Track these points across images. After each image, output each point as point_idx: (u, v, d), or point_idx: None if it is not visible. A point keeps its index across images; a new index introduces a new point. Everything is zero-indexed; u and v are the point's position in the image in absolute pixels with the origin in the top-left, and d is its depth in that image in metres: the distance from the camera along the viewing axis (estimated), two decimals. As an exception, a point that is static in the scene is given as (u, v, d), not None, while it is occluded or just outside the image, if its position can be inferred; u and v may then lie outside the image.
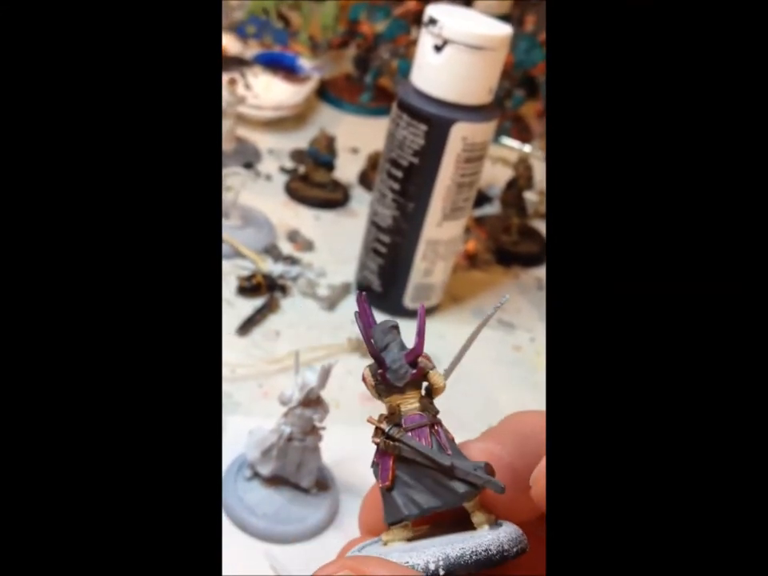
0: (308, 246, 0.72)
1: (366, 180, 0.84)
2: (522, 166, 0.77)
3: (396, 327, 0.23)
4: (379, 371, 0.23)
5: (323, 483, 0.48)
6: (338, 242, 0.74)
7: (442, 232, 0.62)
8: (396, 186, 0.61)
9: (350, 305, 0.67)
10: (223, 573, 0.41)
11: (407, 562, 0.20)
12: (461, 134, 0.58)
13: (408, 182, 0.60)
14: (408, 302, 0.65)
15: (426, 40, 0.57)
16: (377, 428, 0.23)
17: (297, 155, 0.86)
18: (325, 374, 0.44)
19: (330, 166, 0.79)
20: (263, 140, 0.88)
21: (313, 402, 0.45)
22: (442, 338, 0.64)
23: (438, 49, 0.56)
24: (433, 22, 0.56)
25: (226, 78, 0.83)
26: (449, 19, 0.55)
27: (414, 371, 0.23)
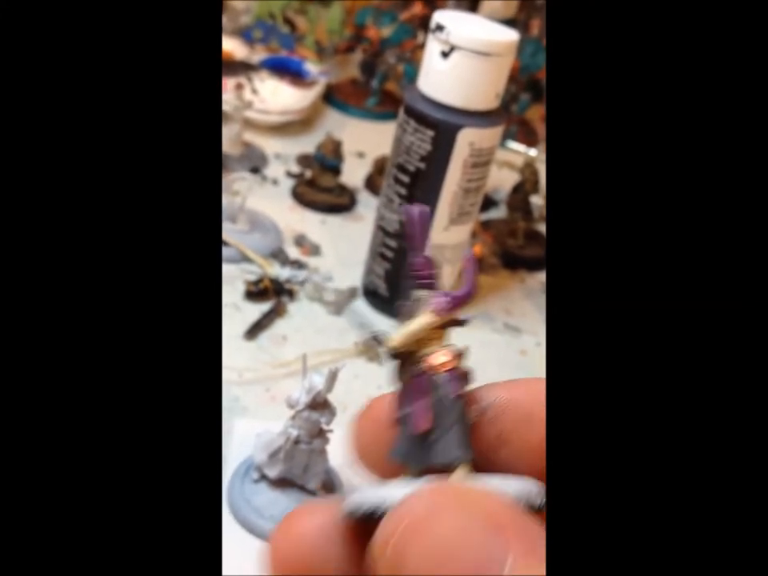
0: (315, 250, 0.73)
1: (372, 184, 0.84)
2: (528, 170, 0.77)
3: None
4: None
5: (330, 486, 0.48)
6: (345, 247, 0.75)
7: (448, 236, 0.63)
8: (403, 191, 0.61)
9: (356, 309, 0.67)
10: (231, 575, 0.41)
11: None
12: (468, 140, 0.58)
13: (415, 187, 0.61)
14: (414, 306, 0.65)
15: (432, 46, 0.57)
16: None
17: (303, 160, 0.86)
18: (332, 378, 0.44)
19: (336, 171, 0.79)
20: (270, 144, 0.89)
21: (320, 405, 0.45)
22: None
23: (445, 55, 0.56)
24: (440, 28, 0.56)
25: (232, 82, 0.83)
26: (456, 25, 0.56)
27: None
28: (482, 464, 0.21)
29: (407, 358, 0.21)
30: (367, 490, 0.20)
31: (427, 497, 0.18)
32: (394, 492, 0.19)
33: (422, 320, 0.21)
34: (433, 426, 0.21)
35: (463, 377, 0.21)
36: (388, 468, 0.22)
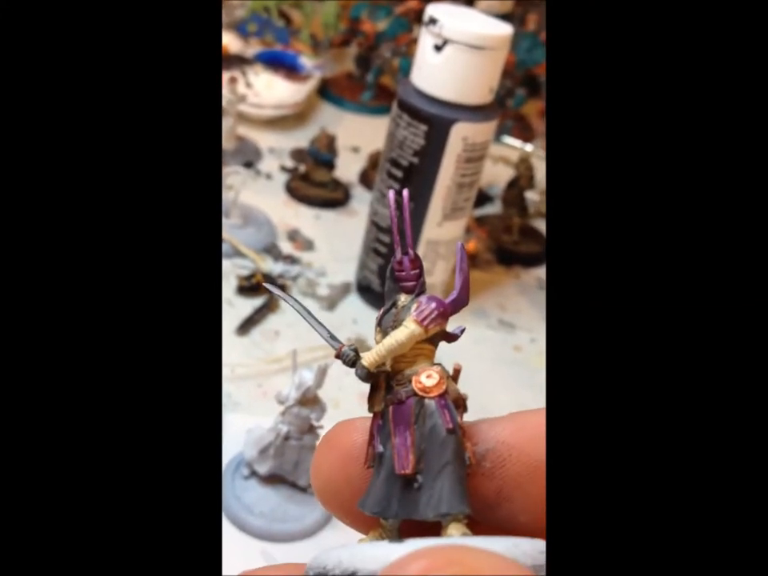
0: (308, 245, 0.72)
1: (366, 179, 0.84)
2: (524, 166, 0.77)
3: None
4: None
5: (321, 483, 0.48)
6: (338, 242, 0.74)
7: (442, 232, 0.62)
8: (396, 186, 0.61)
9: (349, 304, 0.67)
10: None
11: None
12: (461, 134, 0.58)
13: (408, 181, 0.60)
14: (408, 301, 0.65)
15: (426, 39, 0.56)
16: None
17: (297, 154, 0.86)
18: (321, 374, 0.44)
19: (330, 165, 0.79)
20: (264, 139, 0.88)
21: (310, 401, 0.45)
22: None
23: (438, 48, 0.56)
24: (433, 21, 0.56)
25: (227, 76, 0.83)
26: (449, 19, 0.55)
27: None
28: (476, 520, 0.17)
29: (386, 380, 0.17)
30: (336, 551, 0.16)
31: (419, 570, 0.14)
32: (370, 558, 0.15)
33: (404, 332, 0.17)
34: (418, 469, 0.16)
35: (457, 404, 0.17)
36: (356, 514, 0.18)
